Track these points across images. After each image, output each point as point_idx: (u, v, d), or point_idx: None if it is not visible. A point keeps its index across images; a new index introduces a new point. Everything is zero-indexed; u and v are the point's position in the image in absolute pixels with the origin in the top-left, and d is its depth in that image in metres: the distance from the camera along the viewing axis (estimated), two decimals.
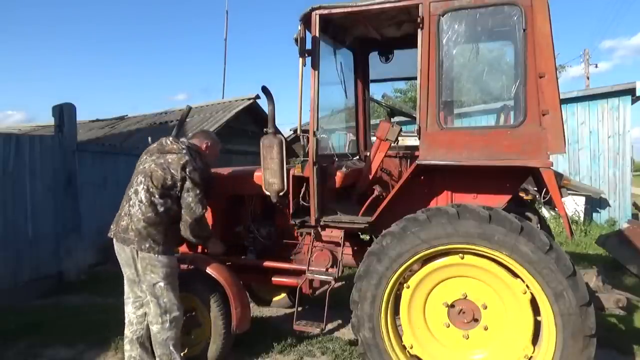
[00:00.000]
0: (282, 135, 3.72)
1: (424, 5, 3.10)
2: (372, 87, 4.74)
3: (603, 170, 10.60)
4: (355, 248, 3.92)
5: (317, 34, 3.40)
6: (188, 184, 3.21)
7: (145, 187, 3.21)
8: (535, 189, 4.19)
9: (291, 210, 3.65)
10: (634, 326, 4.41)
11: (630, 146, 10.54)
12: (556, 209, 3.22)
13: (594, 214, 10.55)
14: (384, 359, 3.06)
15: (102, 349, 4.11)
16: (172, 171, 3.21)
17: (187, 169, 3.22)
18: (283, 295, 4.93)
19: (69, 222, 6.58)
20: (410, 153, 4.13)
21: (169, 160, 3.27)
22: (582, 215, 9.89)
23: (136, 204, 3.22)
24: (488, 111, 8.04)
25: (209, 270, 3.65)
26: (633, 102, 10.59)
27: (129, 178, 3.44)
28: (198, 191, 3.24)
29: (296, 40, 3.34)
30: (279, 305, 4.98)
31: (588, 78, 24.17)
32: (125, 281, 3.40)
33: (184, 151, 3.30)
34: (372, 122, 4.87)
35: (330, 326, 4.36)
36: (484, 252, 2.86)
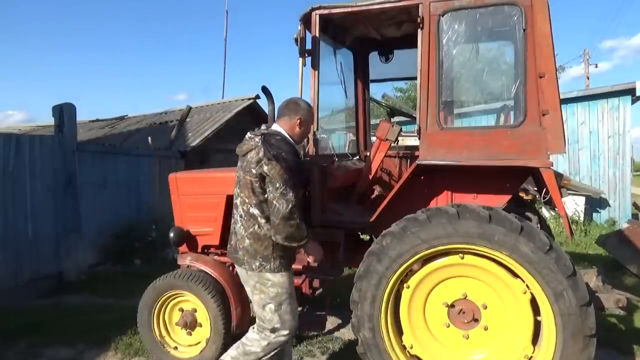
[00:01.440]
0: None
1: (424, 5, 3.10)
2: (372, 87, 4.74)
3: (603, 170, 10.60)
4: (355, 248, 3.92)
5: (317, 34, 3.40)
6: (267, 179, 2.71)
7: (240, 199, 2.85)
8: (535, 189, 4.20)
9: None
10: (634, 326, 4.41)
11: (630, 146, 10.53)
12: (556, 209, 3.22)
13: (594, 214, 10.55)
14: (384, 359, 3.06)
15: (102, 349, 4.12)
16: (253, 171, 2.74)
17: (262, 163, 2.70)
18: None
19: (69, 222, 6.58)
20: (410, 153, 4.13)
21: (249, 159, 2.78)
22: (582, 215, 9.89)
23: (238, 220, 2.89)
24: (488, 111, 8.04)
25: (209, 270, 3.66)
26: (633, 102, 10.59)
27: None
28: (278, 184, 2.67)
29: (296, 40, 3.35)
30: None
31: (588, 78, 24.20)
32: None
33: (259, 143, 2.76)
34: (372, 122, 4.87)
35: (330, 326, 4.36)
36: (484, 252, 2.85)
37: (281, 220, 2.68)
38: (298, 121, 2.90)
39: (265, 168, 2.68)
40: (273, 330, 2.86)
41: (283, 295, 2.84)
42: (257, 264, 2.81)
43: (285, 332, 2.87)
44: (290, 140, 2.90)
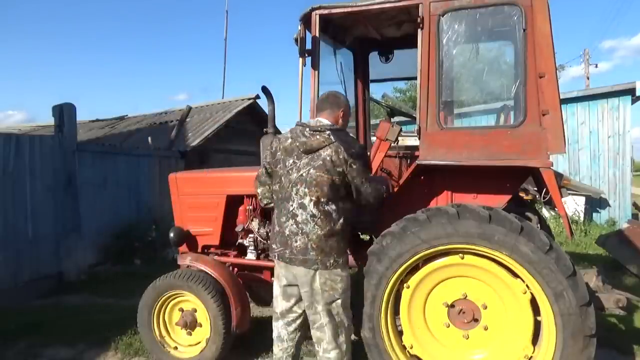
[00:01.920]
0: None
1: (424, 5, 3.10)
2: (372, 87, 4.74)
3: (603, 170, 10.61)
4: (355, 248, 3.92)
5: (317, 34, 3.40)
6: (353, 172, 2.76)
7: (313, 198, 2.75)
8: (535, 189, 4.20)
9: None
10: (634, 326, 4.41)
11: (630, 146, 10.54)
12: (556, 209, 3.22)
13: (594, 214, 10.55)
14: (383, 359, 3.06)
15: (102, 349, 4.12)
16: (337, 169, 2.74)
17: (345, 159, 2.73)
18: None
19: (69, 222, 6.59)
20: (410, 153, 4.13)
21: (326, 157, 2.74)
22: (582, 215, 9.89)
23: (309, 219, 2.76)
24: (488, 111, 8.03)
25: (209, 270, 3.66)
26: (633, 102, 10.60)
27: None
28: (365, 174, 2.84)
29: (296, 40, 3.34)
30: None
31: (588, 78, 24.20)
32: (281, 296, 3.01)
33: (334, 140, 2.75)
34: (372, 122, 4.87)
35: None
36: (484, 252, 2.85)
37: (379, 198, 2.95)
38: (341, 113, 2.96)
39: (350, 162, 2.75)
40: (341, 332, 2.89)
41: (348, 290, 2.91)
42: (332, 260, 2.79)
43: (349, 324, 2.95)
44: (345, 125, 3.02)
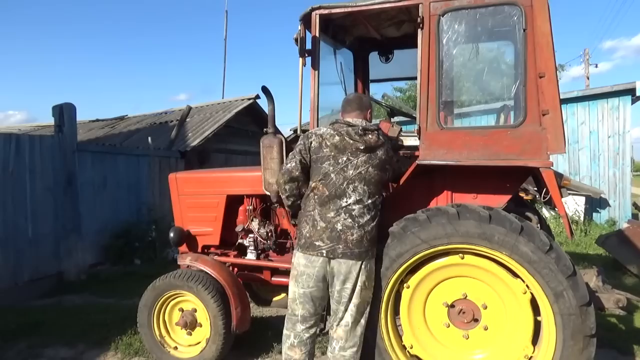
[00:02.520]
0: (282, 135, 3.72)
1: (424, 5, 3.10)
2: (372, 87, 4.73)
3: (603, 170, 10.61)
4: None
5: (317, 34, 3.39)
6: (395, 164, 3.15)
7: (368, 193, 2.91)
8: (535, 189, 4.20)
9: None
10: (634, 326, 4.41)
11: (630, 146, 10.54)
12: (556, 209, 3.22)
13: (594, 214, 10.55)
14: (384, 359, 3.06)
15: (102, 349, 4.12)
16: (386, 166, 3.02)
17: (391, 155, 3.07)
18: (283, 295, 4.92)
19: (69, 222, 6.59)
20: (410, 153, 4.13)
21: (382, 156, 2.97)
22: (582, 215, 9.89)
23: (365, 213, 2.88)
24: (488, 111, 8.04)
25: (208, 270, 3.66)
26: (633, 102, 10.59)
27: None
28: (395, 158, 3.17)
29: (296, 40, 3.34)
30: (279, 305, 4.97)
31: (588, 78, 24.18)
32: (305, 299, 2.94)
33: (382, 138, 3.01)
34: (372, 122, 4.86)
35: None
36: (484, 252, 2.86)
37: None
38: (369, 114, 3.10)
39: (394, 159, 3.10)
40: (362, 333, 2.97)
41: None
42: (375, 250, 2.96)
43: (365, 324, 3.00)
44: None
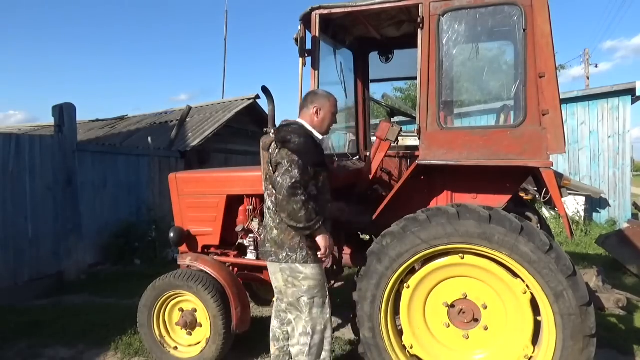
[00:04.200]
0: None
1: (424, 5, 3.10)
2: (372, 87, 4.74)
3: (603, 170, 10.60)
4: (355, 248, 3.92)
5: (317, 34, 3.40)
6: (278, 165, 2.80)
7: (269, 191, 2.91)
8: (535, 189, 4.20)
9: None
10: (634, 326, 4.41)
11: (630, 146, 10.53)
12: (556, 209, 3.22)
13: (594, 214, 10.54)
14: (384, 359, 3.06)
15: (102, 349, 4.11)
16: (272, 162, 2.83)
17: (275, 151, 2.79)
18: None
19: (69, 222, 6.59)
20: (410, 153, 4.13)
21: (271, 152, 2.86)
22: (582, 215, 9.89)
23: (267, 213, 2.95)
24: (488, 111, 8.04)
25: (209, 270, 3.66)
26: (633, 102, 10.58)
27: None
28: (285, 163, 2.72)
29: (296, 40, 3.34)
30: None
31: (588, 78, 24.16)
32: (275, 296, 3.13)
33: (274, 135, 2.87)
34: (372, 122, 4.87)
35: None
36: (484, 252, 2.86)
37: (284, 196, 2.65)
38: (314, 110, 2.93)
39: (275, 153, 2.78)
40: (307, 333, 2.87)
41: (316, 289, 2.86)
42: (284, 254, 2.82)
43: (320, 327, 2.88)
44: (309, 129, 2.90)
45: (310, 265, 2.84)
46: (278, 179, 2.69)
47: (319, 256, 2.84)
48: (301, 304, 2.87)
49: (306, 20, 3.41)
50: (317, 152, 2.83)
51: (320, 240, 2.80)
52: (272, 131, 2.93)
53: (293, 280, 2.86)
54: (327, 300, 2.93)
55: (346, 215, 3.16)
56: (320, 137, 2.94)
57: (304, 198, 2.67)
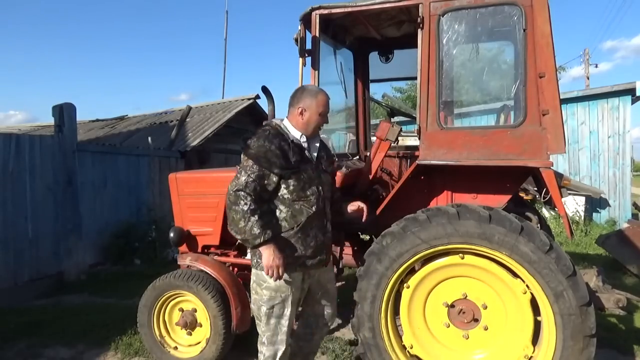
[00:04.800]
0: None
1: (424, 5, 3.10)
2: (372, 87, 4.74)
3: (603, 170, 10.60)
4: (355, 248, 3.92)
5: (317, 34, 3.40)
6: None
7: None
8: (535, 189, 4.20)
9: None
10: (634, 326, 4.41)
11: (630, 146, 10.54)
12: (556, 209, 3.22)
13: (594, 214, 10.55)
14: (384, 359, 3.06)
15: (102, 349, 4.11)
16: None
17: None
18: None
19: (69, 222, 6.58)
20: (410, 153, 4.13)
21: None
22: (582, 215, 9.89)
23: None
24: (488, 111, 8.04)
25: (209, 270, 3.66)
26: (633, 102, 10.59)
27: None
28: (239, 168, 2.62)
29: (296, 40, 3.35)
30: None
31: (588, 78, 24.15)
32: None
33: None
34: (372, 122, 4.87)
35: (330, 326, 4.36)
36: (484, 252, 2.86)
37: (228, 203, 2.54)
38: (299, 110, 2.68)
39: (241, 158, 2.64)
40: (262, 343, 2.74)
41: (276, 299, 2.67)
42: (255, 260, 2.70)
43: (275, 341, 2.71)
44: (285, 130, 2.69)
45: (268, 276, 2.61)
46: (229, 186, 2.57)
47: (264, 272, 2.59)
48: (261, 312, 2.70)
49: (306, 20, 3.41)
50: (282, 155, 2.56)
51: (264, 257, 2.54)
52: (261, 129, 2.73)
53: (256, 287, 2.71)
54: (286, 312, 2.70)
55: (366, 217, 2.97)
56: (303, 138, 2.71)
57: (245, 208, 2.48)
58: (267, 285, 2.67)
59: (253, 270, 2.75)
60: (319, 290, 2.93)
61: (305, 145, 2.71)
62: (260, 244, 2.52)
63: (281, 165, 2.56)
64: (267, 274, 2.56)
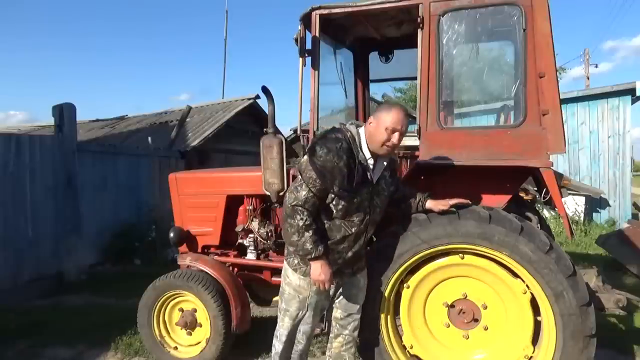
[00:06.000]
0: (282, 135, 3.72)
1: (424, 5, 3.10)
2: (372, 87, 4.73)
3: (603, 170, 10.60)
4: None
5: (317, 34, 3.39)
6: (296, 176, 2.66)
7: None
8: (535, 189, 4.19)
9: None
10: (634, 326, 4.41)
11: (630, 146, 10.54)
12: (556, 209, 3.22)
13: (594, 214, 10.55)
14: (384, 359, 3.06)
15: (102, 349, 4.12)
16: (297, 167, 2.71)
17: (300, 157, 2.63)
18: None
19: (69, 222, 6.58)
20: (410, 153, 4.13)
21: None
22: (582, 215, 9.89)
23: None
24: (488, 111, 8.02)
25: (209, 270, 3.66)
26: (633, 102, 10.59)
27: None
28: (299, 177, 2.56)
29: (296, 40, 3.34)
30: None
31: (588, 78, 24.13)
32: None
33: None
34: None
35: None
36: (484, 252, 2.86)
37: (284, 214, 2.55)
38: (370, 119, 2.62)
39: (300, 159, 2.59)
40: (275, 337, 2.89)
41: (295, 299, 2.75)
42: (286, 251, 2.79)
43: (284, 338, 2.84)
44: (358, 142, 2.58)
45: (297, 275, 2.72)
46: (287, 192, 2.58)
47: (312, 282, 2.64)
48: (280, 307, 2.84)
49: (306, 20, 3.41)
50: (347, 175, 2.47)
51: (312, 269, 2.57)
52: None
53: (282, 279, 2.85)
54: (301, 315, 2.77)
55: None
56: (371, 161, 2.60)
57: (301, 223, 2.48)
58: (288, 282, 2.78)
59: (284, 263, 2.83)
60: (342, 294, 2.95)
61: (371, 166, 2.62)
62: (311, 260, 2.55)
63: (342, 185, 2.50)
64: (315, 285, 2.63)
